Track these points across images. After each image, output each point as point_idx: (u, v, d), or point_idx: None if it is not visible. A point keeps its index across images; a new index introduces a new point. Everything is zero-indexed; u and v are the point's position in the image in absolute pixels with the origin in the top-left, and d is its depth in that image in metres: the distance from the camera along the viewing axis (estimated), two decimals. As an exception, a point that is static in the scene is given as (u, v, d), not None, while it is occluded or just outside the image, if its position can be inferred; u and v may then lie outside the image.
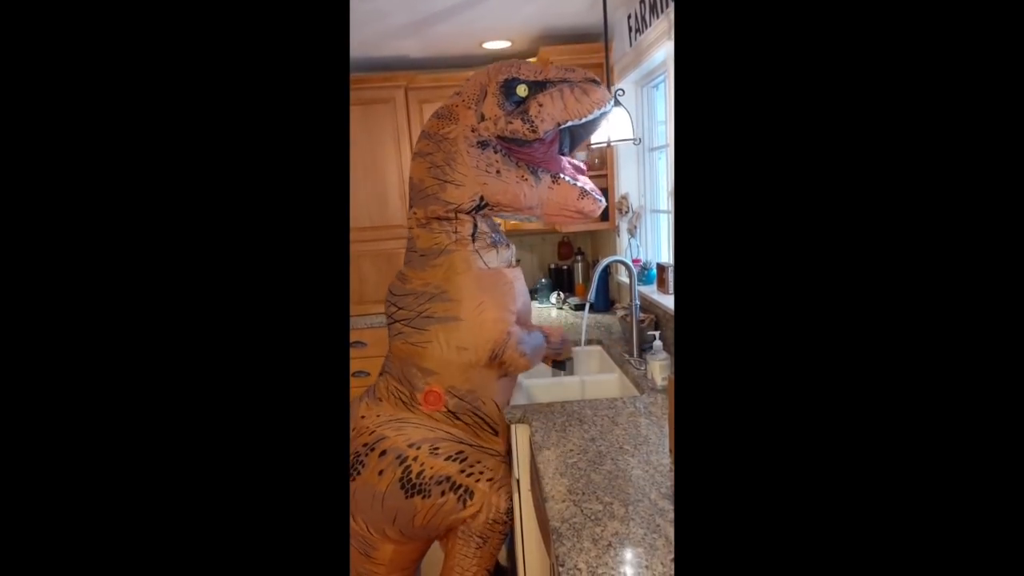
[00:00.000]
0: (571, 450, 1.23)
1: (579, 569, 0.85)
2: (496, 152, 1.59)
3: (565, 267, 3.03)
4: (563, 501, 1.03)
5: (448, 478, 1.59)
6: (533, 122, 1.54)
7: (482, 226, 1.66)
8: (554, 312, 2.76)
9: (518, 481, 1.53)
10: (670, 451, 1.19)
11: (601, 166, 2.64)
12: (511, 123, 1.56)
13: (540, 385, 1.90)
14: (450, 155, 1.61)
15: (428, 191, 1.63)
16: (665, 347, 1.87)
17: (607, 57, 2.00)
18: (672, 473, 1.10)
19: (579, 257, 2.98)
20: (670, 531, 0.92)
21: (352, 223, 2.89)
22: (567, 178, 1.61)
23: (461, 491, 1.58)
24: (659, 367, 1.60)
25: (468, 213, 1.63)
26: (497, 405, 1.66)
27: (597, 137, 1.89)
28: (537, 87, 1.55)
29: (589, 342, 2.16)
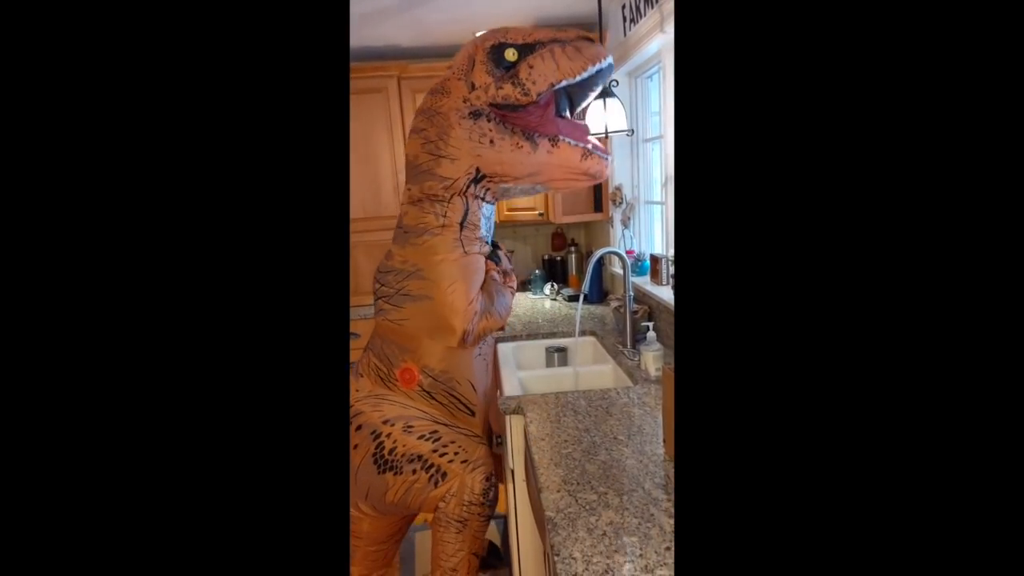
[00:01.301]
0: (565, 440, 1.24)
1: (574, 558, 0.85)
2: (489, 121, 1.54)
3: (559, 258, 3.03)
4: (558, 491, 1.04)
5: (420, 456, 1.59)
6: (524, 85, 1.50)
7: (473, 217, 1.63)
8: (548, 303, 2.76)
9: (512, 471, 1.54)
10: (664, 441, 1.20)
11: (595, 157, 2.64)
12: (502, 88, 1.52)
13: (534, 376, 1.91)
14: (443, 129, 1.59)
15: (423, 167, 1.62)
16: (659, 338, 1.88)
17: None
18: (666, 463, 1.11)
19: (572, 248, 2.99)
20: (664, 520, 0.93)
21: (345, 214, 2.88)
22: (567, 139, 1.54)
23: (433, 470, 1.59)
24: (652, 358, 1.61)
25: (463, 192, 1.60)
26: (473, 386, 1.67)
27: (594, 124, 1.88)
28: (527, 50, 1.50)
29: (583, 333, 2.16)
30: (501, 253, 1.78)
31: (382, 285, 1.67)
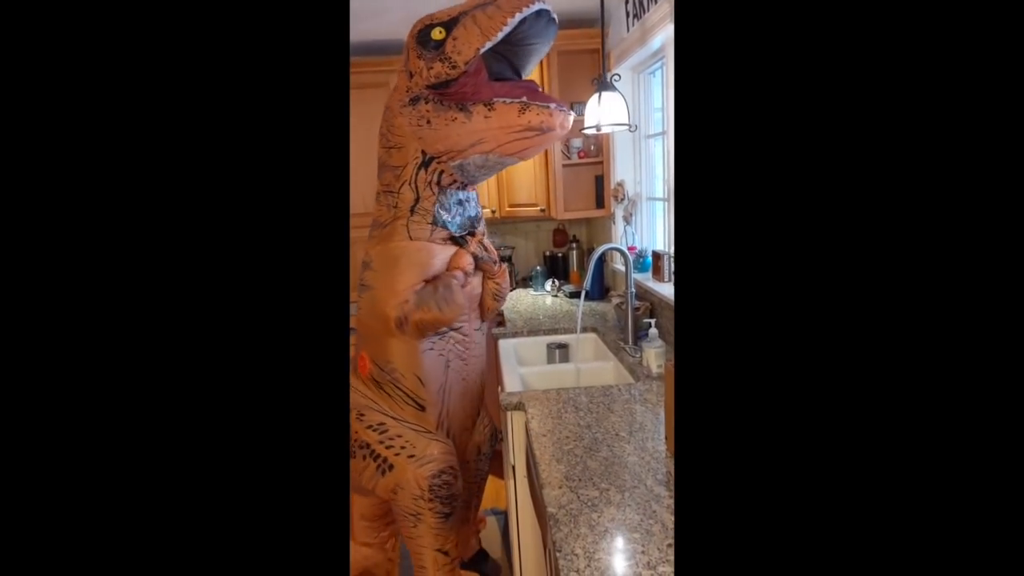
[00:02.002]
0: (567, 437, 1.24)
1: (576, 555, 0.85)
2: (427, 103, 1.54)
3: (560, 254, 3.03)
4: (559, 487, 1.04)
5: (368, 445, 1.66)
6: (451, 58, 1.48)
7: (425, 203, 1.60)
8: (549, 300, 2.76)
9: (513, 467, 1.54)
10: (666, 438, 1.20)
11: (597, 153, 2.63)
12: (432, 68, 1.51)
13: (536, 372, 1.90)
14: (390, 122, 1.63)
15: (381, 162, 1.68)
16: (660, 335, 1.88)
17: (603, 43, 1.98)
18: (667, 460, 1.11)
19: (574, 244, 2.98)
20: (666, 517, 0.93)
21: (346, 209, 2.87)
22: (503, 99, 1.48)
23: (380, 460, 1.63)
24: (654, 355, 1.61)
25: (413, 180, 1.59)
26: (421, 381, 1.64)
27: (593, 119, 1.87)
28: (452, 24, 1.48)
29: (584, 329, 2.16)
30: (477, 246, 1.70)
31: (360, 279, 1.72)
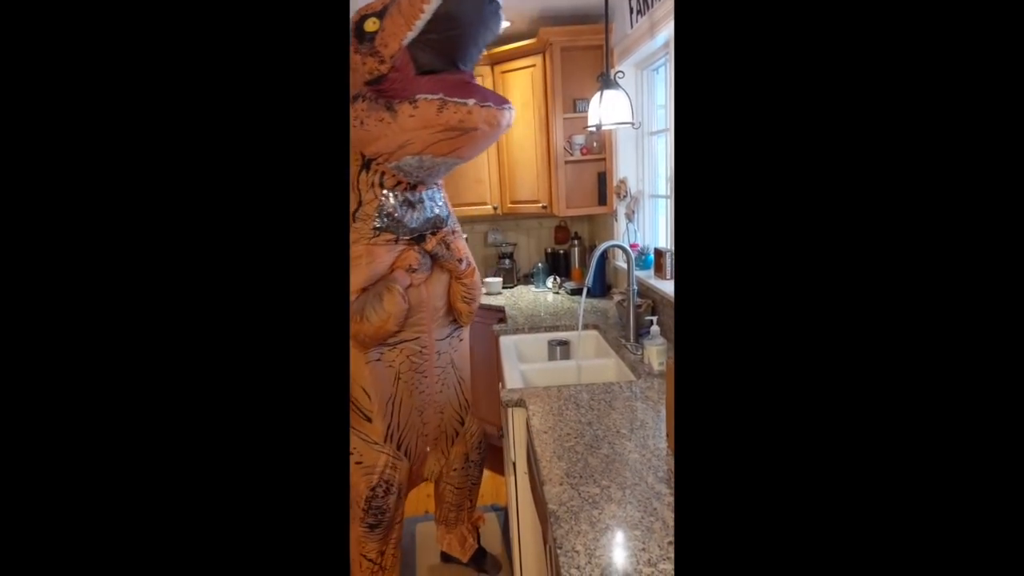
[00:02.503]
0: (568, 433, 1.24)
1: (577, 552, 0.85)
2: (364, 101, 1.46)
3: (561, 251, 3.03)
4: (560, 484, 1.04)
5: None
6: (380, 52, 1.39)
7: (367, 208, 1.53)
8: (550, 296, 2.76)
9: (514, 464, 1.54)
10: (667, 436, 1.20)
11: (600, 150, 2.62)
12: (366, 63, 1.44)
13: (536, 369, 1.90)
14: None
15: None
16: (662, 332, 1.87)
17: (607, 39, 1.98)
18: (668, 457, 1.11)
19: (576, 241, 2.98)
20: (667, 514, 0.93)
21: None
22: (425, 96, 1.37)
23: None
24: (656, 352, 1.61)
25: (356, 184, 1.53)
26: (367, 392, 1.61)
27: (596, 117, 1.87)
28: (384, 14, 1.38)
29: (586, 327, 2.16)
30: (436, 245, 1.60)
31: None
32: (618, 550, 0.85)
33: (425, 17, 1.30)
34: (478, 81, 1.51)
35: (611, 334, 2.01)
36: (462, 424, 1.83)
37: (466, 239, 2.90)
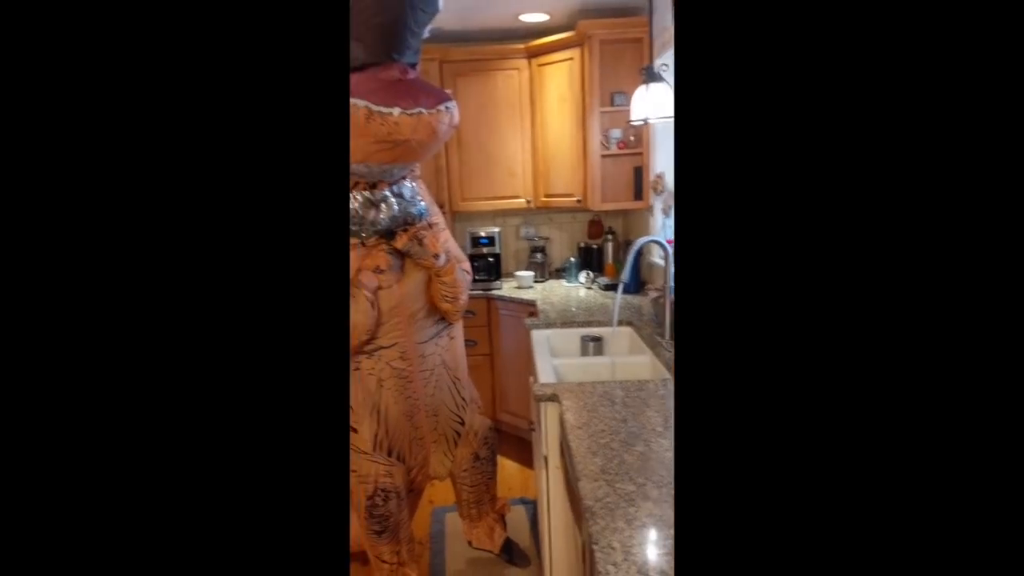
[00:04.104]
0: (603, 430, 1.23)
1: (613, 548, 0.85)
2: None
3: (595, 246, 3.01)
4: (596, 480, 1.03)
5: None
6: None
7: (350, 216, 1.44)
8: (583, 292, 2.74)
9: (546, 458, 1.54)
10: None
11: (637, 144, 2.59)
12: None
13: (569, 364, 1.90)
14: None
15: None
16: (698, 330, 1.85)
17: (650, 31, 1.95)
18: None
19: (609, 236, 2.95)
20: (705, 515, 0.92)
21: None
22: (354, 101, 1.24)
23: None
24: (692, 350, 1.59)
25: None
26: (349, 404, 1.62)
27: (639, 110, 1.84)
28: None
29: (620, 323, 2.14)
30: (407, 242, 1.50)
31: None
32: (654, 548, 0.85)
33: None
34: (421, 72, 1.33)
35: (646, 331, 1.99)
36: (462, 424, 1.79)
37: (498, 232, 2.92)
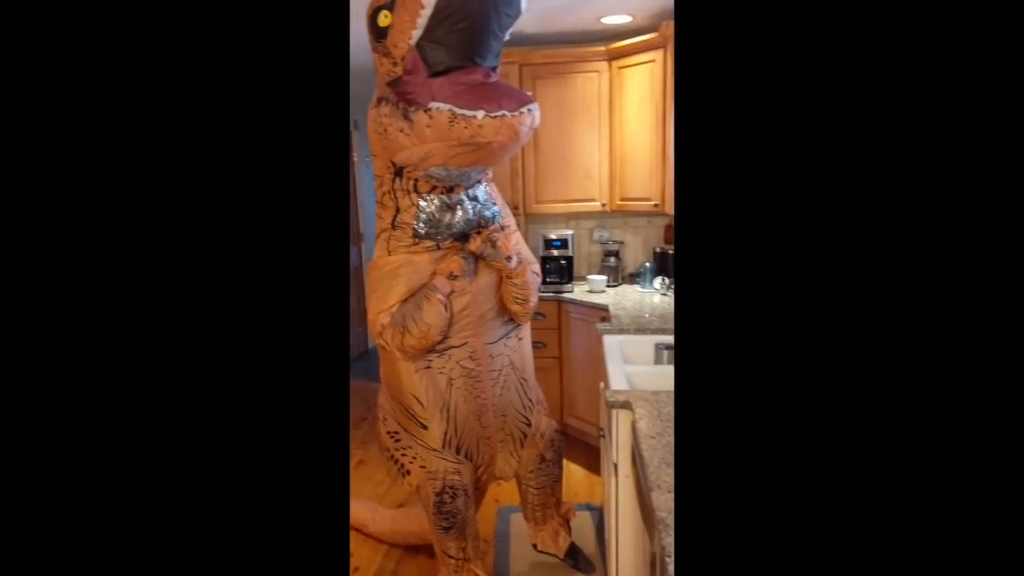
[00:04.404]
0: (678, 441, 1.21)
1: (688, 563, 0.83)
2: (387, 105, 1.35)
3: (671, 251, 2.93)
4: (670, 492, 1.01)
5: (387, 449, 1.74)
6: (392, 53, 1.26)
7: (405, 216, 1.47)
8: (657, 298, 2.69)
9: (615, 465, 1.52)
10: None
11: (718, 148, 2.51)
12: (382, 64, 1.31)
13: (642, 372, 1.87)
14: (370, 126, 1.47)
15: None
16: (780, 343, 1.77)
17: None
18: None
19: (686, 242, 2.87)
20: (787, 537, 0.88)
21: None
22: (438, 105, 1.23)
23: (398, 465, 1.70)
24: (774, 364, 1.52)
25: (392, 190, 1.48)
26: (419, 400, 1.61)
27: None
28: (394, 6, 1.23)
29: (695, 331, 2.08)
30: (481, 244, 1.50)
31: None
32: (733, 568, 0.82)
33: (427, 13, 1.17)
34: (501, 75, 1.35)
35: (723, 341, 1.93)
36: (528, 425, 1.80)
37: (571, 235, 2.91)
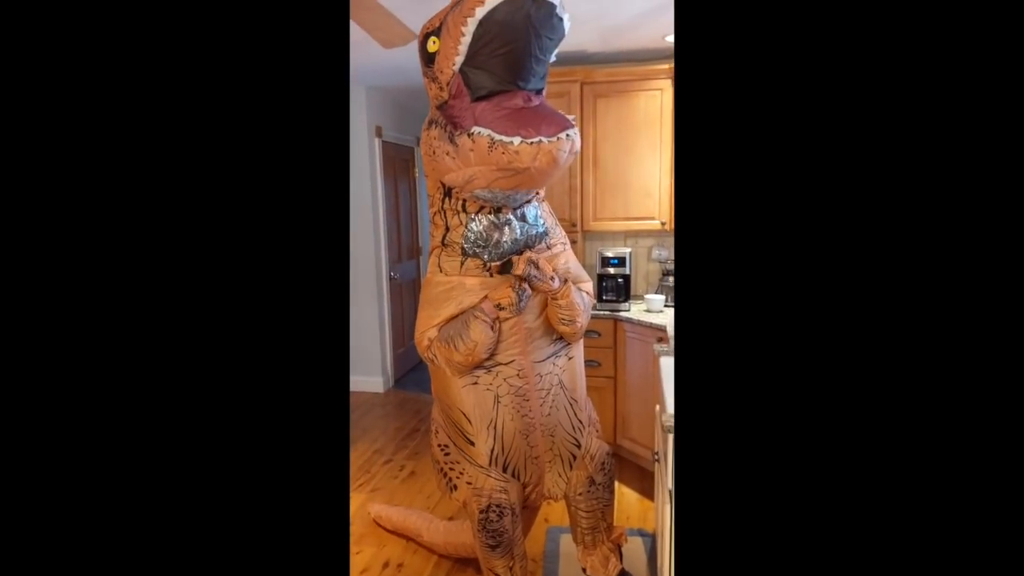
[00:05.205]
0: (738, 470, 1.16)
1: (747, 601, 0.79)
2: (436, 128, 1.39)
3: (732, 273, 2.85)
4: (729, 524, 0.97)
5: (438, 461, 1.74)
6: (438, 78, 1.30)
7: (453, 235, 1.50)
8: (717, 320, 2.60)
9: (671, 492, 1.47)
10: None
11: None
12: (431, 89, 1.35)
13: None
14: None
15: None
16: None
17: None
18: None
19: (749, 263, 2.78)
20: None
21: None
22: (479, 130, 1.26)
23: (447, 479, 1.70)
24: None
25: (441, 209, 1.51)
26: (466, 416, 1.60)
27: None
28: (440, 32, 1.26)
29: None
30: (526, 266, 1.48)
31: None
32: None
33: (466, 40, 1.20)
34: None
35: (787, 367, 1.84)
36: (578, 446, 1.76)
37: (629, 253, 2.87)
